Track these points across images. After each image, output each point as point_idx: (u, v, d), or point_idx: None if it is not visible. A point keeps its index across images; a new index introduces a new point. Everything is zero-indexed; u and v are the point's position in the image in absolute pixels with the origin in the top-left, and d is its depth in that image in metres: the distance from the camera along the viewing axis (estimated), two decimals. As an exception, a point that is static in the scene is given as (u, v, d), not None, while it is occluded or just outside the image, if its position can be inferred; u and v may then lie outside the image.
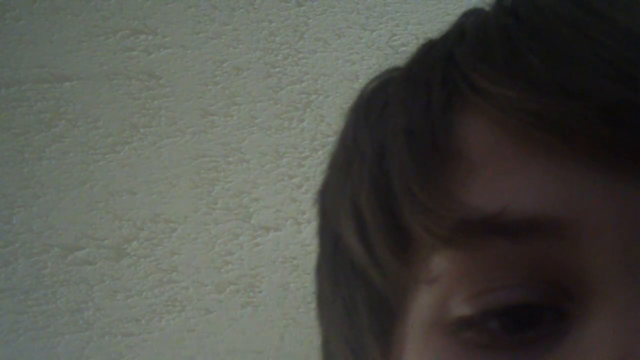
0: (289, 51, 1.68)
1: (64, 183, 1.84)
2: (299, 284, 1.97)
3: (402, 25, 1.65)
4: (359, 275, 0.43)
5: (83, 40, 1.67)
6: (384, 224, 0.41)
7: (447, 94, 0.41)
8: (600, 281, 0.38)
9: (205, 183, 1.85)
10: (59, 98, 1.73)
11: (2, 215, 1.89)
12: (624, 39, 0.39)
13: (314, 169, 1.81)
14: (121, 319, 2.05)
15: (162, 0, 1.63)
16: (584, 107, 0.38)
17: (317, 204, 0.47)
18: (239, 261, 1.96)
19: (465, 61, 0.41)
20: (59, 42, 1.67)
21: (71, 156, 1.80)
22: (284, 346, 2.09)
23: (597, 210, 0.38)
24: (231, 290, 2.00)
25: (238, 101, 1.74)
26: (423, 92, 0.42)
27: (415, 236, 0.41)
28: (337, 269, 0.45)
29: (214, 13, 1.65)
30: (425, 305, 0.41)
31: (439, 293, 0.40)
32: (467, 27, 0.43)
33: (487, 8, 0.44)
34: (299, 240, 1.91)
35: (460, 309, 0.39)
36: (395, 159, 0.41)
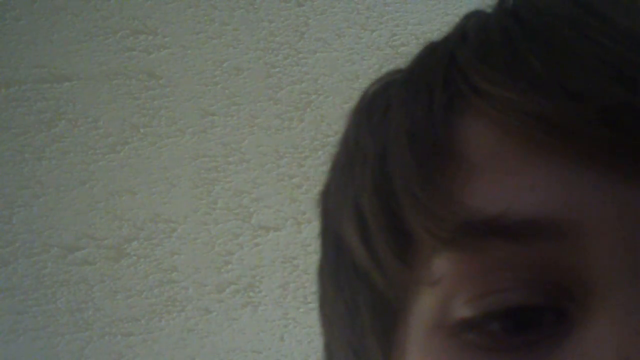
0: (289, 51, 1.68)
1: (64, 183, 1.84)
2: (299, 284, 1.97)
3: (402, 25, 1.65)
4: (361, 277, 0.43)
5: (83, 40, 1.67)
6: (386, 226, 0.41)
7: (448, 96, 0.41)
8: (601, 283, 0.38)
9: (205, 183, 1.85)
10: (59, 98, 1.73)
11: (2, 215, 1.89)
12: (625, 41, 0.39)
13: (314, 169, 1.81)
14: (121, 319, 2.05)
15: (162, 0, 1.63)
16: (585, 109, 0.38)
17: (319, 206, 0.47)
18: (239, 261, 1.96)
19: (467, 63, 0.41)
20: (59, 42, 1.67)
21: (71, 156, 1.81)
22: (284, 346, 2.09)
23: (598, 212, 0.38)
24: (231, 290, 2.00)
25: (238, 101, 1.74)
26: (425, 94, 0.42)
27: (417, 238, 0.41)
28: (339, 271, 0.45)
29: (214, 13, 1.65)
30: (427, 307, 0.41)
31: (441, 295, 0.40)
32: (469, 28, 0.43)
33: (488, 10, 0.44)
34: (299, 240, 1.91)
35: (462, 310, 0.39)
36: (397, 160, 0.41)
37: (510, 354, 0.39)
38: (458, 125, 0.41)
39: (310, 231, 1.87)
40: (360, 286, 0.44)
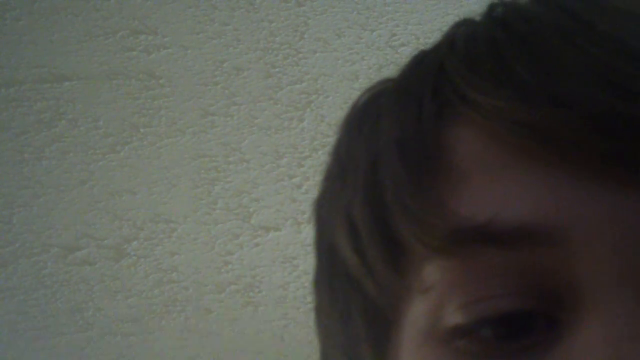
0: (289, 51, 1.69)
1: (64, 183, 1.84)
2: (299, 284, 1.97)
3: (402, 25, 1.65)
4: (354, 286, 0.44)
5: (83, 40, 1.67)
6: (377, 235, 0.42)
7: (437, 104, 0.42)
8: (590, 288, 0.38)
9: (205, 183, 1.85)
10: (59, 98, 1.73)
11: (2, 215, 1.89)
12: (612, 48, 0.40)
13: (314, 169, 1.81)
14: (121, 319, 2.05)
15: (162, 0, 1.63)
16: (572, 117, 0.38)
17: (313, 216, 0.48)
18: (239, 261, 1.96)
19: (455, 72, 0.42)
20: (59, 42, 1.67)
21: (71, 156, 1.81)
22: (284, 346, 2.09)
23: (587, 218, 0.38)
24: (231, 290, 2.00)
25: (238, 101, 1.74)
26: (414, 104, 0.43)
27: (408, 246, 0.41)
28: (333, 280, 0.46)
29: (214, 13, 1.65)
30: (419, 314, 0.41)
31: (433, 302, 0.40)
32: (458, 37, 0.44)
33: (477, 18, 0.45)
34: (299, 240, 1.91)
35: (454, 317, 0.40)
36: (388, 170, 0.42)
37: None
38: (447, 133, 0.41)
39: (310, 231, 1.87)
40: (354, 294, 0.44)
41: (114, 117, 1.76)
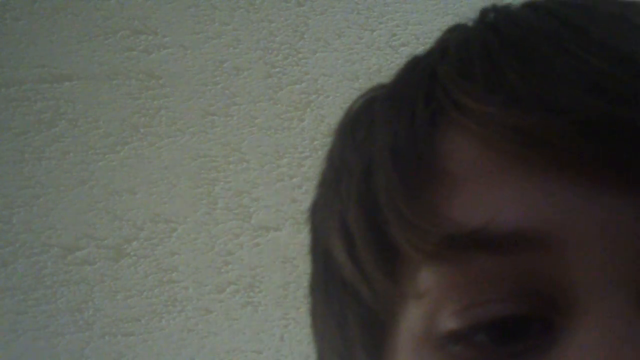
0: (289, 51, 1.68)
1: (64, 183, 1.84)
2: (299, 284, 1.97)
3: (402, 25, 1.65)
4: (349, 291, 0.44)
5: (83, 40, 1.67)
6: (372, 240, 0.42)
7: (430, 111, 0.42)
8: (585, 292, 0.39)
9: (205, 183, 1.85)
10: (59, 98, 1.73)
11: (2, 215, 1.89)
12: (602, 54, 0.40)
13: (314, 169, 1.81)
14: (121, 319, 2.05)
15: (162, 0, 1.63)
16: (564, 123, 0.38)
17: (309, 222, 0.48)
18: (239, 261, 1.96)
19: (447, 78, 0.42)
20: (59, 42, 1.67)
21: (71, 156, 1.80)
22: (284, 346, 2.09)
23: (580, 223, 0.39)
24: (231, 290, 2.00)
25: (238, 101, 1.74)
26: (407, 110, 0.43)
27: (402, 252, 0.41)
28: (328, 286, 0.46)
29: (214, 13, 1.65)
30: (414, 319, 0.41)
31: (427, 307, 0.41)
32: (450, 43, 0.44)
33: (470, 23, 0.45)
34: (299, 240, 1.91)
35: (449, 322, 0.40)
36: (382, 176, 0.42)
37: None
38: (440, 139, 0.41)
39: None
40: (349, 300, 0.44)
41: (114, 117, 1.76)
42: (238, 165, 1.82)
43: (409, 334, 0.42)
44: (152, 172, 1.83)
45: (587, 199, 0.39)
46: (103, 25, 1.65)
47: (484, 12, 0.45)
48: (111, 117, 1.76)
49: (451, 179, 0.41)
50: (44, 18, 1.64)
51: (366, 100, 0.47)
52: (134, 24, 1.65)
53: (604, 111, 0.38)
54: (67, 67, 1.70)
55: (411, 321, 0.41)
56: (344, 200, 0.44)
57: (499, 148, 0.40)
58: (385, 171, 0.42)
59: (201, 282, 1.99)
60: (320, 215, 0.47)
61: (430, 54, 0.45)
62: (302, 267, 1.94)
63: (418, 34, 1.65)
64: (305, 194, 1.84)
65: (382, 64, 1.68)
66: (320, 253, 0.47)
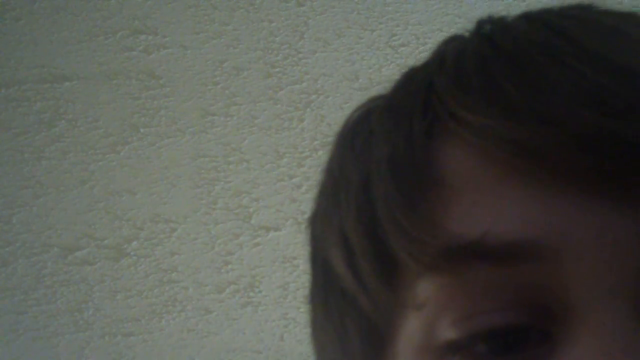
0: (289, 51, 1.68)
1: (64, 183, 1.84)
2: (299, 284, 1.97)
3: (402, 25, 1.65)
4: (349, 302, 0.44)
5: (83, 40, 1.67)
6: (371, 251, 0.42)
7: (428, 122, 0.42)
8: (582, 303, 0.39)
9: (205, 183, 1.85)
10: (59, 98, 1.73)
11: (2, 215, 1.89)
12: (599, 67, 0.40)
13: (314, 169, 1.81)
14: (121, 319, 2.05)
15: (162, 0, 1.63)
16: (560, 134, 0.39)
17: (308, 233, 0.49)
18: (239, 261, 1.96)
19: (444, 90, 0.42)
20: (59, 42, 1.67)
21: (71, 156, 1.81)
22: (284, 346, 2.09)
23: (576, 234, 0.39)
24: (231, 290, 2.00)
25: (238, 101, 1.74)
26: (405, 121, 0.43)
27: (401, 262, 0.41)
28: (328, 296, 0.46)
29: (214, 13, 1.65)
30: (413, 330, 0.42)
31: (426, 318, 0.41)
32: (447, 55, 0.44)
33: (466, 34, 0.45)
34: (299, 240, 1.91)
35: (447, 333, 0.40)
36: (380, 187, 0.42)
37: None
38: (438, 151, 0.42)
39: (310, 231, 1.87)
40: (349, 311, 0.44)
41: (114, 117, 1.76)
42: (238, 165, 1.82)
43: (408, 344, 0.42)
44: (152, 172, 1.83)
45: (584, 210, 0.39)
46: (103, 25, 1.65)
47: (480, 24, 0.45)
48: (111, 117, 1.76)
49: (449, 190, 0.41)
50: (44, 18, 1.64)
51: (364, 111, 0.47)
52: (134, 24, 1.65)
53: (599, 123, 0.39)
54: (67, 67, 1.70)
55: (410, 331, 0.42)
56: (343, 211, 0.44)
57: (495, 159, 0.40)
58: (383, 182, 0.42)
59: (201, 282, 1.99)
60: (320, 226, 0.47)
61: (427, 66, 0.45)
62: (302, 267, 1.94)
63: (418, 34, 1.65)
64: (305, 194, 1.85)
65: (382, 64, 1.68)
66: (319, 263, 0.47)
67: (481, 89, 0.41)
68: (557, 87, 0.40)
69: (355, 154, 0.45)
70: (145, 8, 1.64)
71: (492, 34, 0.44)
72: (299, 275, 1.96)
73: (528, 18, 0.44)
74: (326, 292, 0.46)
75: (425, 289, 0.41)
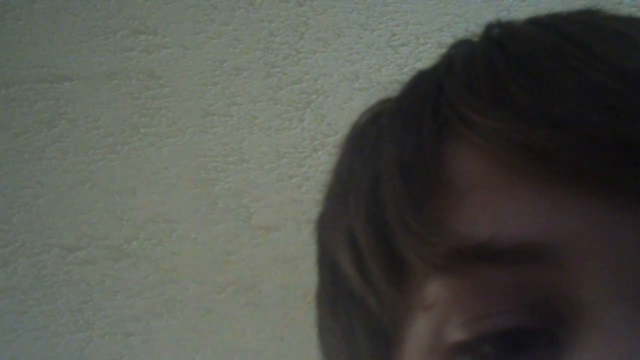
0: (289, 51, 1.69)
1: (64, 183, 1.84)
2: (299, 284, 1.97)
3: (402, 25, 1.65)
4: (357, 303, 0.44)
5: (83, 40, 1.67)
6: (380, 253, 0.42)
7: (437, 125, 0.43)
8: (589, 306, 0.39)
9: (205, 183, 1.85)
10: (59, 98, 1.73)
11: (2, 215, 1.89)
12: (608, 70, 0.40)
13: (314, 169, 1.81)
14: (121, 319, 2.05)
15: (162, 0, 1.63)
16: (569, 138, 0.39)
17: (315, 235, 0.49)
18: (239, 261, 1.96)
19: (454, 93, 0.43)
20: (59, 42, 1.67)
21: (71, 156, 1.81)
22: (284, 346, 2.09)
23: (585, 236, 0.39)
24: (231, 290, 2.00)
25: (238, 101, 1.74)
26: (414, 124, 0.43)
27: (409, 264, 0.41)
28: (336, 298, 0.46)
29: (214, 13, 1.65)
30: (421, 331, 0.42)
31: (435, 319, 0.41)
32: (456, 58, 0.44)
33: (475, 39, 0.46)
34: (299, 240, 1.91)
35: (456, 334, 0.40)
36: (389, 189, 0.42)
37: None
38: (447, 153, 0.42)
39: (310, 231, 1.87)
40: (357, 312, 0.45)
41: (114, 117, 1.76)
42: (238, 165, 1.82)
43: (417, 346, 0.42)
44: (152, 172, 1.83)
45: (593, 213, 0.39)
46: (103, 25, 1.65)
47: (489, 28, 0.46)
48: (111, 117, 1.76)
49: (458, 193, 0.41)
50: (44, 18, 1.64)
51: (373, 114, 0.47)
52: (134, 24, 1.65)
53: (608, 127, 0.39)
54: (67, 67, 1.70)
55: (418, 332, 0.42)
56: (352, 213, 0.44)
57: (505, 162, 0.40)
58: (392, 184, 0.42)
59: (201, 282, 1.99)
60: (328, 228, 0.47)
61: (435, 69, 0.45)
62: (302, 267, 1.94)
63: (418, 34, 1.65)
64: (305, 194, 1.85)
65: (382, 64, 1.68)
66: (327, 265, 0.47)
67: (491, 93, 0.41)
68: (566, 91, 0.40)
69: (364, 156, 0.45)
70: (145, 8, 1.64)
71: (501, 38, 0.44)
72: (299, 275, 1.96)
73: (537, 23, 0.45)
74: (334, 294, 0.46)
75: (434, 290, 0.41)
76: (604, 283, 0.39)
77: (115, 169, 1.83)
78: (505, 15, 1.56)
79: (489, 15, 1.59)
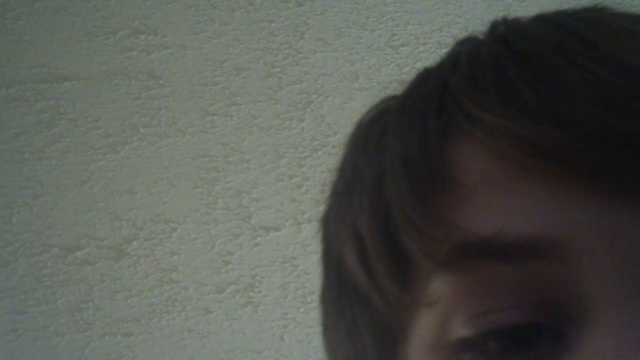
0: (289, 51, 1.69)
1: (64, 183, 1.84)
2: (299, 284, 1.97)
3: (402, 25, 1.65)
4: (362, 300, 0.44)
5: (83, 40, 1.67)
6: (384, 249, 0.42)
7: (442, 122, 0.43)
8: (594, 301, 0.39)
9: (205, 183, 1.85)
10: (59, 98, 1.73)
11: (2, 215, 1.89)
12: (613, 68, 0.40)
13: (314, 169, 1.81)
14: (121, 319, 2.05)
15: (162, 0, 1.63)
16: (575, 135, 0.39)
17: (320, 232, 0.49)
18: (239, 261, 1.96)
19: (459, 90, 0.43)
20: (59, 42, 1.67)
21: (71, 156, 1.81)
22: (284, 346, 2.09)
23: (590, 232, 0.39)
24: (231, 290, 2.00)
25: (238, 101, 1.74)
26: (419, 121, 0.43)
27: (414, 260, 0.42)
28: (340, 295, 0.46)
29: (214, 13, 1.65)
30: (426, 327, 0.42)
31: (439, 315, 0.41)
32: (461, 56, 0.44)
33: (480, 36, 0.46)
34: (299, 240, 1.91)
35: (460, 330, 0.40)
36: (394, 186, 0.42)
37: None
38: (452, 150, 0.42)
39: (310, 231, 1.87)
40: (361, 309, 0.45)
41: (114, 117, 1.76)
42: (238, 165, 1.82)
43: (421, 342, 0.42)
44: (152, 172, 1.83)
45: (598, 209, 0.39)
46: (103, 25, 1.65)
47: (494, 25, 0.46)
48: (111, 117, 1.76)
49: (463, 189, 0.41)
50: (44, 18, 1.64)
51: (377, 111, 0.47)
52: (134, 24, 1.65)
53: (613, 123, 0.39)
54: (67, 67, 1.70)
55: (423, 329, 0.42)
56: (356, 210, 0.44)
57: (510, 159, 0.40)
58: (397, 181, 0.42)
59: (201, 282, 1.99)
60: (332, 225, 0.47)
61: (441, 66, 0.45)
62: (302, 267, 1.94)
63: (418, 34, 1.65)
64: (305, 194, 1.85)
65: (382, 64, 1.68)
66: (332, 263, 0.47)
67: (496, 90, 0.41)
68: (571, 88, 0.40)
69: (368, 153, 0.45)
70: (145, 8, 1.64)
71: (506, 36, 0.44)
72: (299, 275, 1.96)
73: (542, 20, 0.45)
74: (339, 292, 0.46)
75: (438, 286, 0.41)
76: (609, 279, 0.39)
77: (115, 169, 1.83)
78: (505, 15, 1.55)
79: (489, 15, 1.59)
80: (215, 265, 1.96)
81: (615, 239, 0.39)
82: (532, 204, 0.40)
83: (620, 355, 0.37)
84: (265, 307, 2.02)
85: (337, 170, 0.48)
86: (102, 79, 1.71)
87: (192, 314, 2.04)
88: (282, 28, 1.66)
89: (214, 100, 1.74)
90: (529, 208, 0.40)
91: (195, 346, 2.11)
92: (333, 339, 0.48)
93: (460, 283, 0.40)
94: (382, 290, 0.43)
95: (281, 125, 1.77)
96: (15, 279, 1.98)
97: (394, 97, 0.47)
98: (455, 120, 0.42)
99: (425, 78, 0.46)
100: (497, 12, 1.59)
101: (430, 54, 1.62)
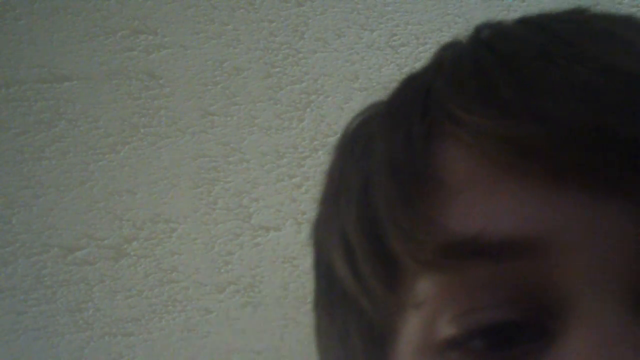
0: (289, 51, 1.69)
1: (64, 183, 1.84)
2: (299, 284, 1.97)
3: (402, 25, 1.65)
4: (351, 304, 0.45)
5: (83, 40, 1.67)
6: (371, 253, 0.43)
7: (426, 124, 0.43)
8: (576, 297, 0.39)
9: (205, 183, 1.85)
10: (59, 98, 1.73)
11: (2, 215, 1.89)
12: (593, 67, 0.41)
13: (314, 169, 1.81)
14: (121, 319, 2.05)
15: (162, 0, 1.63)
16: (555, 132, 0.40)
17: (311, 238, 0.49)
18: (239, 261, 1.96)
19: (442, 93, 0.43)
20: (59, 42, 1.67)
21: (71, 156, 1.81)
22: (284, 346, 2.09)
23: (572, 230, 0.40)
24: (231, 290, 2.00)
25: (238, 101, 1.74)
26: (404, 124, 0.44)
27: (401, 262, 0.42)
28: (331, 300, 0.47)
29: (214, 13, 1.65)
30: (413, 328, 0.42)
31: (426, 316, 0.42)
32: (445, 60, 0.45)
33: (464, 40, 0.46)
34: (299, 240, 1.91)
35: (446, 329, 0.41)
36: (380, 189, 0.43)
37: None
38: (436, 152, 0.43)
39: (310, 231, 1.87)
40: (351, 313, 0.45)
41: (114, 117, 1.76)
42: (238, 165, 1.82)
43: (409, 343, 0.42)
44: (152, 172, 1.83)
45: (578, 206, 0.40)
46: (103, 25, 1.65)
47: (478, 29, 0.46)
48: (111, 117, 1.76)
49: (447, 190, 0.42)
50: (44, 18, 1.64)
51: (364, 117, 0.48)
52: (134, 24, 1.65)
53: (592, 120, 0.39)
54: (67, 67, 1.70)
55: (410, 330, 0.42)
56: (344, 214, 0.45)
57: (493, 158, 0.41)
58: (383, 184, 0.43)
59: (201, 282, 1.99)
60: (322, 231, 0.48)
61: (425, 71, 0.46)
62: (302, 267, 1.94)
63: (418, 34, 1.65)
64: (305, 194, 1.85)
65: (382, 64, 1.68)
66: (323, 268, 0.48)
67: (477, 91, 0.42)
68: (551, 86, 0.41)
69: (355, 158, 0.46)
70: (145, 8, 1.64)
71: (489, 39, 0.45)
72: (299, 275, 1.96)
73: (525, 22, 0.45)
74: (329, 297, 0.47)
75: (424, 287, 0.41)
76: (590, 275, 0.39)
77: (115, 169, 1.83)
78: (505, 15, 1.56)
79: (489, 15, 1.59)
80: (215, 265, 1.96)
81: (596, 235, 0.39)
82: (515, 202, 0.40)
83: (603, 351, 0.38)
84: (265, 307, 2.02)
85: (325, 176, 0.48)
86: (102, 79, 1.71)
87: (192, 314, 2.04)
88: (282, 28, 1.66)
89: (214, 100, 1.74)
90: (511, 207, 0.40)
91: (195, 346, 2.11)
92: (326, 345, 0.48)
93: (445, 283, 0.41)
94: (369, 293, 0.43)
95: (281, 125, 1.77)
96: (15, 279, 1.98)
97: (380, 103, 0.47)
98: (439, 123, 0.43)
99: (410, 83, 0.46)
100: (497, 12, 1.59)
101: (430, 54, 1.62)
